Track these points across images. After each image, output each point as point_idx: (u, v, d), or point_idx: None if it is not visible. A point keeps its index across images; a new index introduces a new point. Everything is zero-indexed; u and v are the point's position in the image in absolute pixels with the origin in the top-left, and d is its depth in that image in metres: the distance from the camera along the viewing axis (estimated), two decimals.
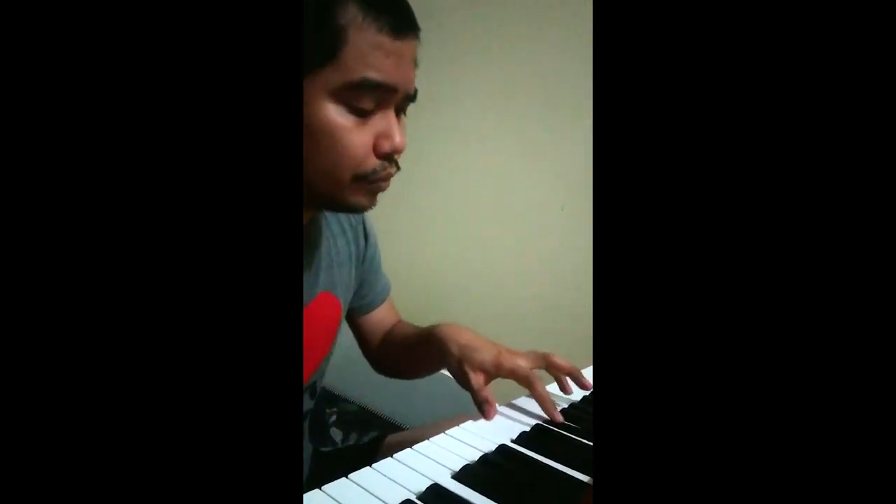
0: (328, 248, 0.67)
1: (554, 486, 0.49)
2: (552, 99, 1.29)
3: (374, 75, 0.47)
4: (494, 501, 0.44)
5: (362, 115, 0.49)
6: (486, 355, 0.65)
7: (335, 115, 0.48)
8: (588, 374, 0.69)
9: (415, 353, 0.76)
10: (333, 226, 0.70)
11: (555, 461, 0.51)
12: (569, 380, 0.67)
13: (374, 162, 0.51)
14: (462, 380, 0.65)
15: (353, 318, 0.80)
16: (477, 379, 0.64)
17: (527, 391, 0.64)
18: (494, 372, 0.64)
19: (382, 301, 0.81)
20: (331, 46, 0.46)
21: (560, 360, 0.66)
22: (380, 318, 0.81)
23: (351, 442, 1.22)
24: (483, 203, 1.45)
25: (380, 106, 0.50)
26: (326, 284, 0.67)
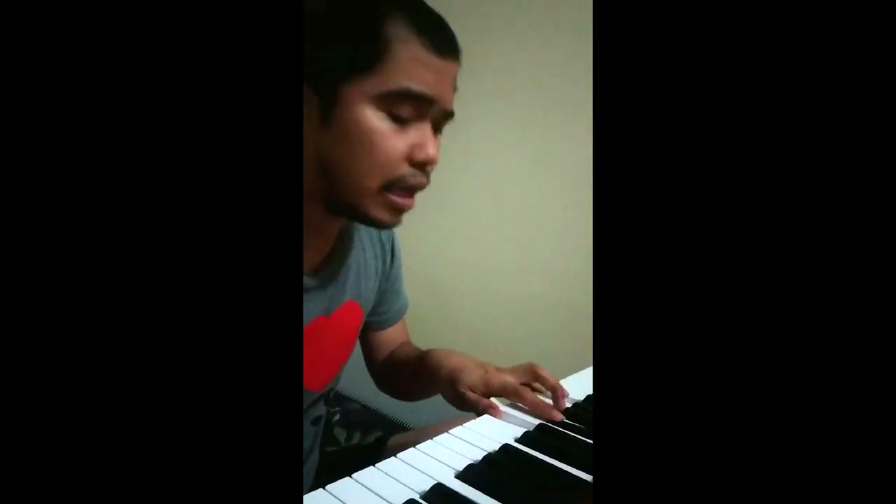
0: (357, 258, 0.69)
1: (558, 486, 0.49)
2: (555, 98, 1.29)
3: (414, 86, 0.50)
4: (498, 501, 0.44)
5: (400, 122, 0.51)
6: (474, 376, 0.66)
7: (374, 119, 0.50)
8: (588, 374, 0.69)
9: (411, 377, 0.77)
10: (365, 240, 0.71)
11: (558, 461, 0.52)
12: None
13: (404, 169, 0.53)
14: (457, 401, 0.66)
15: (366, 332, 0.80)
16: (470, 395, 0.64)
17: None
18: (484, 391, 0.65)
19: (398, 320, 0.82)
20: (374, 57, 0.49)
21: (546, 373, 0.66)
22: (391, 336, 0.82)
23: (355, 441, 1.23)
24: (486, 203, 1.45)
25: (417, 117, 0.52)
26: (353, 293, 0.68)
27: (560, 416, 0.60)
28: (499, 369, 0.67)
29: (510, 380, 0.65)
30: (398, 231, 0.73)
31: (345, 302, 0.67)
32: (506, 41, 1.34)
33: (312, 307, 0.61)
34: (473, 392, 0.65)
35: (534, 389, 0.65)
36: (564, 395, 0.65)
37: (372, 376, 0.86)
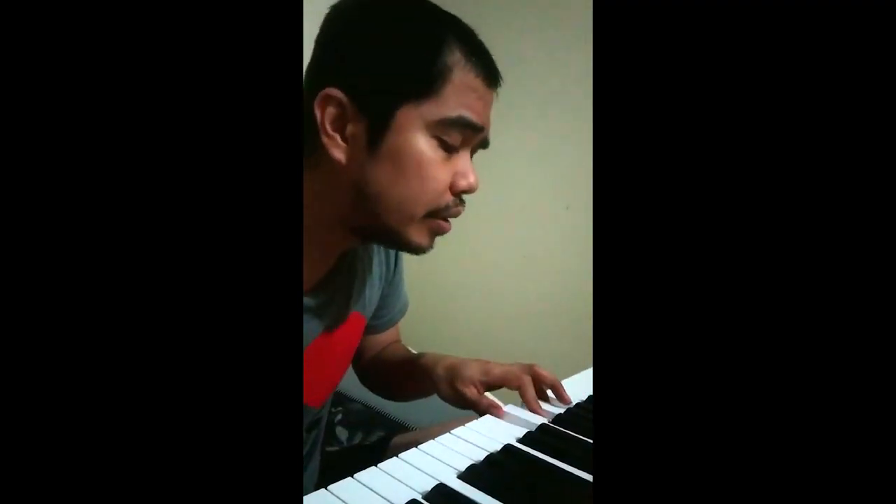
0: (363, 268, 0.67)
1: (559, 486, 0.49)
2: (556, 98, 1.29)
3: (468, 114, 0.50)
4: (500, 501, 0.44)
5: (449, 150, 0.51)
6: (473, 369, 0.66)
7: (427, 147, 0.50)
8: (588, 375, 0.69)
9: (402, 379, 0.77)
10: (369, 247, 0.69)
11: (560, 461, 0.52)
12: (550, 393, 0.67)
13: (448, 198, 0.53)
14: (457, 399, 0.66)
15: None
16: (471, 391, 0.64)
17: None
18: (485, 381, 0.65)
19: (396, 323, 0.81)
20: (434, 82, 0.48)
21: (544, 371, 0.67)
22: (385, 338, 0.81)
23: (356, 441, 1.23)
24: (488, 202, 1.45)
25: (463, 144, 0.52)
26: (357, 305, 0.67)
27: (544, 415, 0.60)
28: (498, 364, 0.67)
29: (511, 368, 0.65)
30: None
31: (350, 316, 0.65)
32: (506, 41, 1.34)
33: (314, 327, 0.59)
34: (474, 386, 0.64)
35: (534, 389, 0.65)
36: (566, 398, 0.65)
37: (356, 372, 0.84)
